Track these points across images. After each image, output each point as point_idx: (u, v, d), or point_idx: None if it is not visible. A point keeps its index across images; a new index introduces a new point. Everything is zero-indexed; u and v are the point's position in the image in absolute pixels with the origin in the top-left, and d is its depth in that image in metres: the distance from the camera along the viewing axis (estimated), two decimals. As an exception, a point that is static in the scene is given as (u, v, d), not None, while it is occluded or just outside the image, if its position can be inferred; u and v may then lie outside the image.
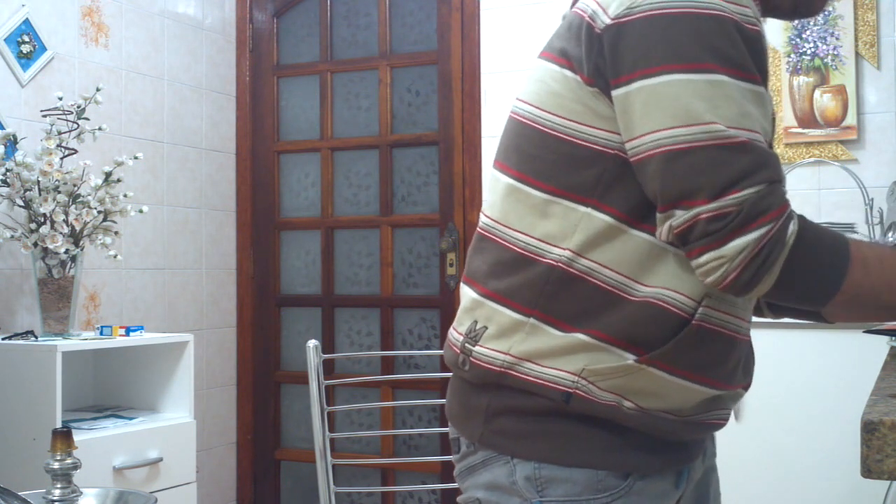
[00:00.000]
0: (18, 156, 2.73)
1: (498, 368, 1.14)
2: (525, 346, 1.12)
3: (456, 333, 1.21)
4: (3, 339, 2.70)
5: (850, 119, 3.08)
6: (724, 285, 1.03)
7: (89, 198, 2.76)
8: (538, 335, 1.12)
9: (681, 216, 1.04)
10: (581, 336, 1.10)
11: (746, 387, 1.23)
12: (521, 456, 1.14)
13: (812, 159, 3.12)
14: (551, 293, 1.12)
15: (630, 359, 1.09)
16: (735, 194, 1.01)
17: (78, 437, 2.04)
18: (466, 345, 1.17)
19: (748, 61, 1.06)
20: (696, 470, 1.24)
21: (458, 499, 1.23)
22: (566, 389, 1.11)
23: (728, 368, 1.16)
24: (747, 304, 1.17)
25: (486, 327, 1.16)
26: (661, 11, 1.05)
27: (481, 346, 1.15)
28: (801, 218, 1.05)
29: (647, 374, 1.10)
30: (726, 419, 1.22)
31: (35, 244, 2.68)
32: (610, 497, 1.13)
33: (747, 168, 1.02)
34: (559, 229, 1.12)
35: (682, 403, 1.14)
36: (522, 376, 1.13)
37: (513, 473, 1.14)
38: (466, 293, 1.21)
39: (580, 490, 1.12)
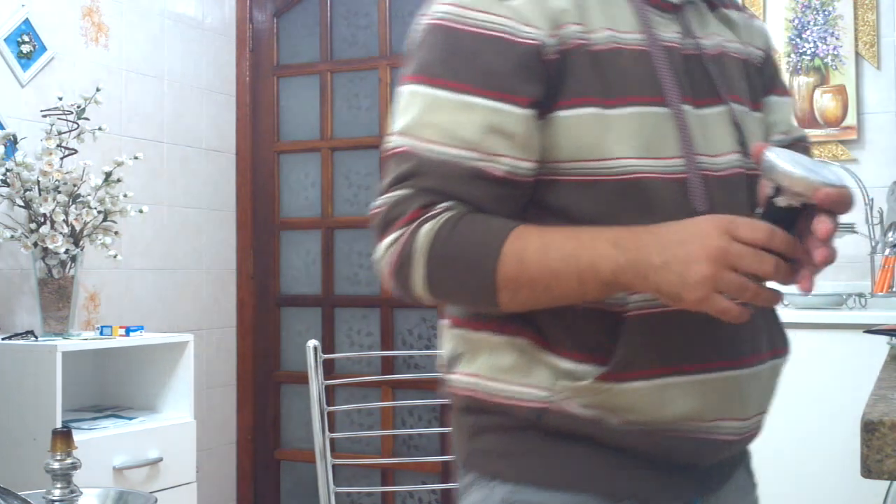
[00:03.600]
0: (18, 156, 2.73)
1: (469, 392, 1.09)
2: (489, 364, 1.06)
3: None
4: (3, 339, 2.70)
5: (850, 119, 3.08)
6: (393, 291, 1.04)
7: (89, 198, 2.76)
8: (499, 352, 1.06)
9: None
10: (539, 353, 1.03)
11: (767, 356, 1.10)
12: (502, 476, 1.07)
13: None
14: None
15: (587, 378, 1.00)
16: (382, 198, 1.02)
17: (78, 437, 2.04)
18: (443, 375, 1.13)
19: (486, 78, 1.00)
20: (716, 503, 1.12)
21: None
22: (537, 405, 1.03)
23: (707, 344, 1.03)
24: None
25: (453, 353, 1.11)
26: (430, 22, 1.06)
27: (452, 372, 1.11)
28: (456, 219, 0.98)
29: (620, 390, 1.00)
30: (741, 433, 1.07)
31: (35, 244, 2.68)
32: None
33: (399, 175, 1.01)
34: None
35: (686, 407, 1.02)
36: (492, 398, 1.06)
37: (489, 497, 1.07)
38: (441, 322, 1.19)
39: None
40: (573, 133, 1.02)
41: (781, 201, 0.91)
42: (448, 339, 1.13)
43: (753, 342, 1.08)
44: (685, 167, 1.03)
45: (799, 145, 1.26)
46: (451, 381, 1.11)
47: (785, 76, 3.18)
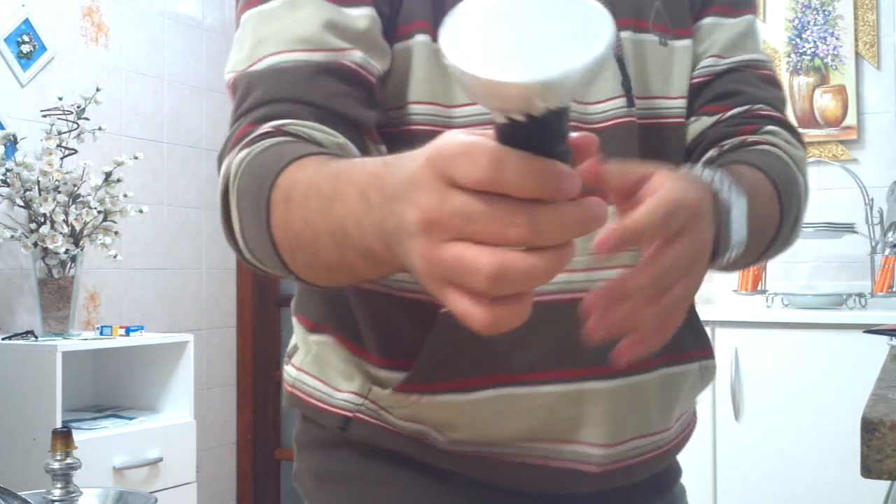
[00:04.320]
0: (18, 156, 2.73)
1: (291, 388, 0.95)
2: (315, 361, 0.91)
3: None
4: (3, 339, 2.70)
5: (850, 119, 3.08)
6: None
7: (89, 198, 2.76)
8: (321, 350, 0.91)
9: None
10: (355, 357, 0.87)
11: (656, 363, 0.85)
12: None
13: (812, 159, 3.13)
14: (305, 293, 0.96)
15: (389, 386, 0.84)
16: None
17: (78, 437, 2.04)
18: (283, 364, 1.00)
19: None
20: None
21: None
22: (344, 413, 0.87)
23: (557, 346, 0.81)
24: None
25: (292, 345, 0.99)
26: None
27: (287, 363, 0.98)
28: (276, 141, 0.73)
29: (432, 403, 0.82)
30: (604, 463, 0.83)
31: (35, 244, 2.68)
32: None
33: (235, 109, 0.80)
34: None
35: (522, 426, 0.82)
36: (308, 399, 0.92)
37: None
38: None
39: None
40: (402, 70, 0.81)
41: (497, 116, 0.47)
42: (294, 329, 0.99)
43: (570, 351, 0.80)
44: None
45: (742, 73, 0.93)
46: (284, 373, 0.97)
47: (784, 76, 3.18)
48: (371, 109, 0.79)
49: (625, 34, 0.88)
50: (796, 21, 3.16)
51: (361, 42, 0.80)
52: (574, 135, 0.49)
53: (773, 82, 0.96)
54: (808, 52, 3.14)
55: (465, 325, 0.48)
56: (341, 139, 0.75)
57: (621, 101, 0.85)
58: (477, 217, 0.46)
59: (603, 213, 0.47)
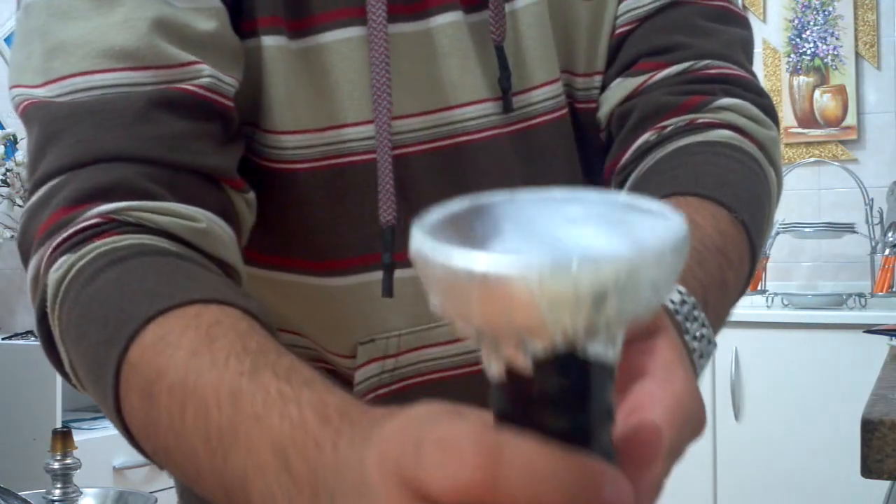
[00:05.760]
0: (18, 156, 2.73)
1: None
2: None
3: None
4: (3, 339, 2.70)
5: (850, 119, 3.08)
6: None
7: (89, 198, 2.77)
8: None
9: None
10: None
11: None
12: None
13: (812, 159, 3.13)
14: None
15: None
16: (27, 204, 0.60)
17: (78, 437, 2.04)
18: None
19: None
20: None
21: None
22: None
23: None
24: None
25: None
26: None
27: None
28: (106, 252, 0.53)
29: None
30: None
31: (35, 244, 2.69)
32: None
33: (32, 154, 0.59)
34: None
35: None
36: None
37: None
38: None
39: None
40: (253, 84, 0.62)
41: (493, 361, 0.31)
42: None
43: None
44: (375, 139, 0.61)
45: (680, 9, 0.67)
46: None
47: (783, 76, 3.18)
48: (228, 148, 0.60)
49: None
50: (796, 21, 3.16)
51: (208, 50, 0.58)
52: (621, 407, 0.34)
53: (727, 17, 0.69)
54: (808, 52, 3.14)
55: None
56: (201, 223, 0.55)
57: (491, 107, 0.65)
58: None
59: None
